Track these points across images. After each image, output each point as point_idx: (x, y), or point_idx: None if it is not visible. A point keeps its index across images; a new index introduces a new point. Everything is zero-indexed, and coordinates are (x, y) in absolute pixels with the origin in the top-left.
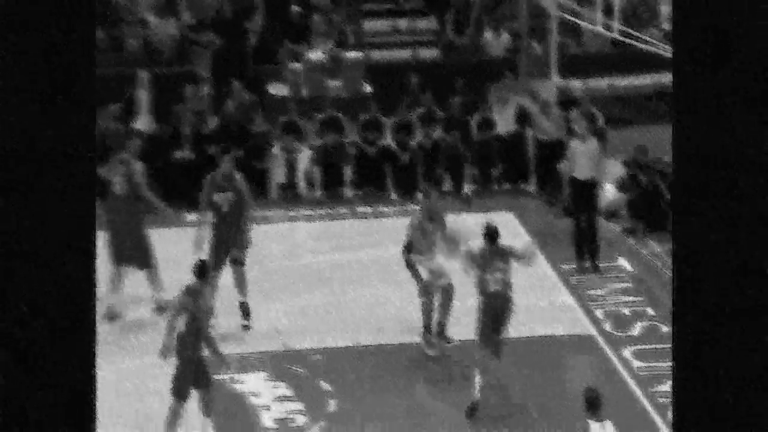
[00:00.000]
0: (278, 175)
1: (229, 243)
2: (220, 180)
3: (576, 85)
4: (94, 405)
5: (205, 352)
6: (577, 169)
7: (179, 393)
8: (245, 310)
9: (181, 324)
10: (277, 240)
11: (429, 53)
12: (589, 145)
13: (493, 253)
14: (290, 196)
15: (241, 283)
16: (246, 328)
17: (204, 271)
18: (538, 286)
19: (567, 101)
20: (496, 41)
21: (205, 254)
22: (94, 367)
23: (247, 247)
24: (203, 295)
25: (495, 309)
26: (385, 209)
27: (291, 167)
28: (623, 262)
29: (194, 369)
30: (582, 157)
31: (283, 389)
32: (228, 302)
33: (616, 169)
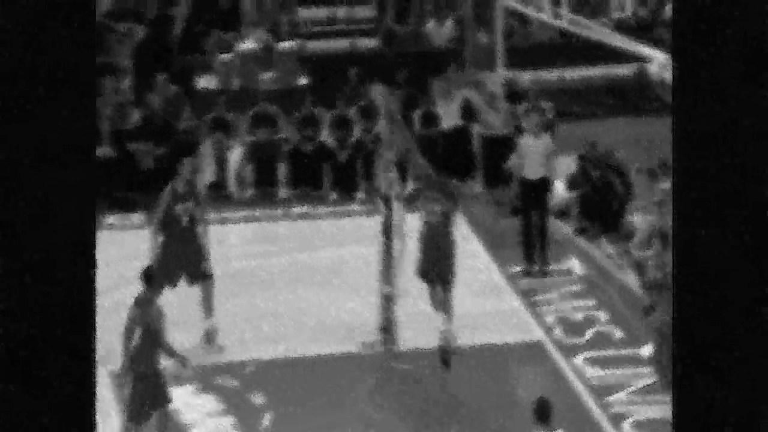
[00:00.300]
0: (207, 174)
1: (187, 257)
2: (181, 188)
3: (524, 77)
4: (94, 405)
5: (163, 365)
6: (527, 167)
7: (137, 415)
8: (212, 336)
9: (135, 338)
10: None
11: (368, 43)
12: (541, 142)
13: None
14: (220, 196)
15: (208, 301)
16: (208, 354)
17: (152, 278)
18: (485, 290)
19: (514, 94)
20: (439, 30)
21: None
22: (94, 367)
23: (208, 258)
24: (154, 304)
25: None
26: (323, 210)
27: (221, 165)
28: (574, 264)
29: (152, 386)
30: (533, 155)
31: (214, 403)
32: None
33: (566, 165)
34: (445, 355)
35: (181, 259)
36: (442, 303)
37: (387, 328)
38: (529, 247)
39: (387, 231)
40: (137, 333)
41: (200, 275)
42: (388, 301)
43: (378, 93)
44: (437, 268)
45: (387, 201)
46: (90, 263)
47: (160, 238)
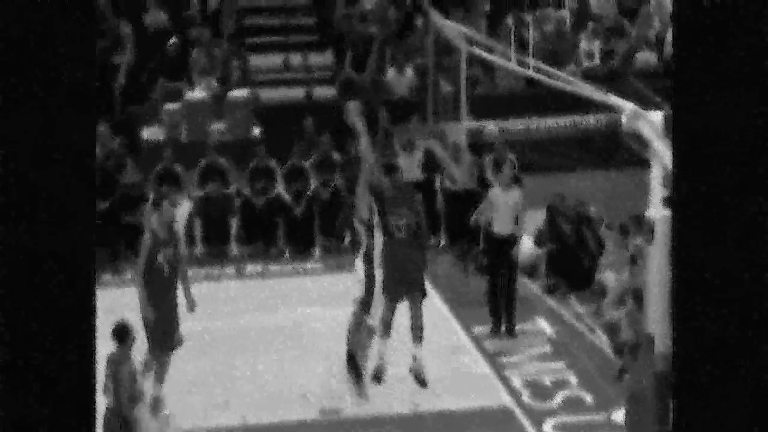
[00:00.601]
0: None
1: (172, 314)
2: (162, 234)
3: (489, 127)
4: (95, 405)
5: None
6: (495, 222)
7: None
8: (158, 405)
9: (110, 396)
10: None
11: (325, 92)
12: (511, 196)
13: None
14: None
15: (164, 368)
16: (155, 424)
17: (125, 336)
18: (449, 352)
19: (479, 145)
20: (399, 79)
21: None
22: (94, 367)
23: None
24: (127, 366)
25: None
26: (277, 268)
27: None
28: (543, 325)
29: None
30: (502, 209)
31: None
32: None
33: (533, 220)
34: (419, 376)
35: (168, 317)
36: (413, 320)
37: (358, 370)
38: (496, 306)
39: (369, 259)
40: (111, 391)
41: (174, 343)
42: (369, 336)
43: (354, 111)
44: (407, 283)
45: (369, 228)
46: (90, 263)
47: (145, 292)
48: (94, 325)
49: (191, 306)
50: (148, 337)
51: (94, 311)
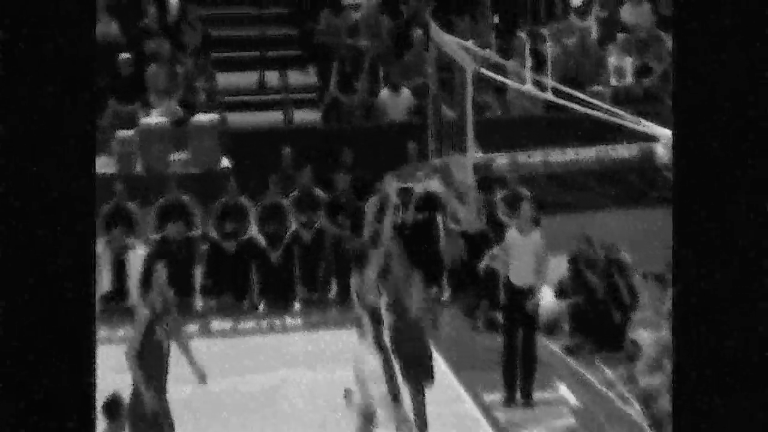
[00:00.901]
0: (102, 280)
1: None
2: (159, 305)
3: (500, 160)
4: (94, 405)
5: None
6: (512, 271)
7: None
8: None
9: None
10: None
11: (307, 116)
12: (531, 240)
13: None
14: (119, 309)
15: None
16: None
17: (116, 412)
18: (455, 423)
19: (489, 181)
20: (394, 101)
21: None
22: (94, 367)
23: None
24: None
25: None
26: (249, 325)
27: (119, 270)
28: (565, 393)
29: None
30: (521, 256)
31: None
32: None
33: (554, 268)
34: None
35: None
36: (416, 411)
37: None
38: (511, 370)
39: (381, 346)
40: None
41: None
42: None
43: (391, 186)
44: (412, 370)
45: (374, 313)
46: (90, 262)
47: (142, 375)
48: (94, 326)
49: (203, 378)
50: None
51: (94, 311)
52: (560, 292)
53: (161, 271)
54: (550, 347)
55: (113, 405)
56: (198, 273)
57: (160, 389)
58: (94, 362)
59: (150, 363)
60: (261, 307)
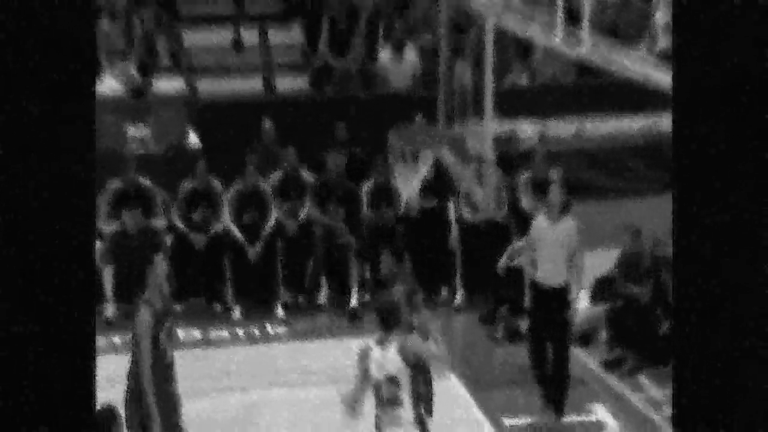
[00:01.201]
0: None
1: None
2: (159, 304)
3: (525, 131)
4: (94, 405)
5: None
6: (540, 267)
7: None
8: None
9: None
10: None
11: (291, 83)
12: (562, 230)
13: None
14: None
15: None
16: None
17: (113, 424)
18: None
19: (511, 157)
20: (397, 64)
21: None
22: (94, 367)
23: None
24: None
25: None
26: (222, 334)
27: None
28: (603, 416)
29: None
30: (550, 249)
31: None
32: None
33: (589, 266)
34: None
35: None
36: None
37: None
38: (541, 389)
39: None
40: None
41: None
42: None
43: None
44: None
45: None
46: (90, 262)
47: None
48: (94, 327)
49: None
50: None
51: (94, 313)
52: (596, 295)
53: (160, 265)
54: (584, 360)
55: (110, 416)
56: None
57: (167, 401)
58: (94, 373)
59: (158, 375)
60: (237, 313)
